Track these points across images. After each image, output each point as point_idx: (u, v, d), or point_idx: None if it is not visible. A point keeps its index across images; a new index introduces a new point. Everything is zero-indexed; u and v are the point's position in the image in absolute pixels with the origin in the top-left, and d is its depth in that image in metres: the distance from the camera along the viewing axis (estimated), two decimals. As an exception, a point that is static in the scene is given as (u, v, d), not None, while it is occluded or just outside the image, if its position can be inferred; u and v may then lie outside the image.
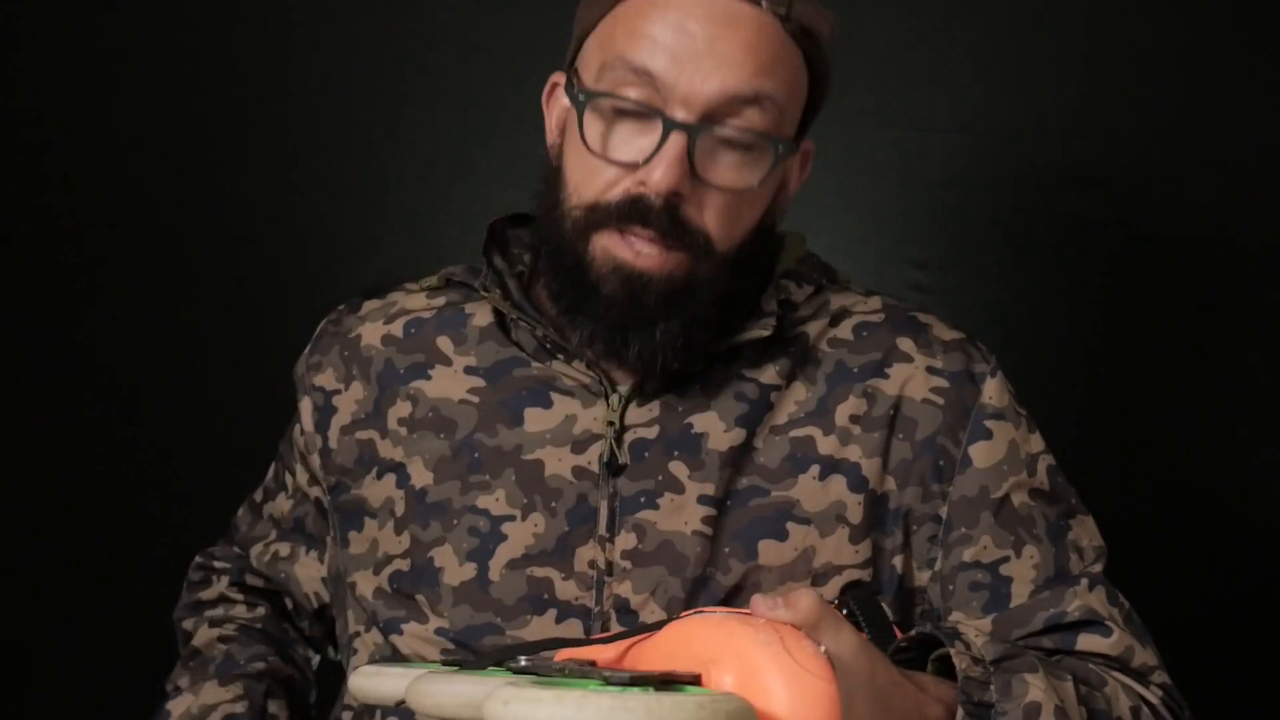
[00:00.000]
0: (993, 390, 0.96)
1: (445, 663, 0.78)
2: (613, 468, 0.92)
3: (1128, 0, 1.48)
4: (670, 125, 0.85)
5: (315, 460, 1.01)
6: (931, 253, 1.51)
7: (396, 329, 1.00)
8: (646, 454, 0.92)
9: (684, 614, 0.76)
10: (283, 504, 1.08)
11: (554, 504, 0.91)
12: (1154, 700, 0.89)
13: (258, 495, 1.12)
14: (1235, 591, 1.47)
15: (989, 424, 0.94)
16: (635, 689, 0.59)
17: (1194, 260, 1.49)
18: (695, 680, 0.65)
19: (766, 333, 0.93)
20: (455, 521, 0.92)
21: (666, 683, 0.62)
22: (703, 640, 0.68)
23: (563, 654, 0.76)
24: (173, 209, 1.62)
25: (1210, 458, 1.49)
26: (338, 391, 1.00)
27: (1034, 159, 1.49)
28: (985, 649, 0.78)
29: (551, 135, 0.97)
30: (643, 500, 0.91)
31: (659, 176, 0.85)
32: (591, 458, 0.92)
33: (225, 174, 1.61)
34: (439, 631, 0.91)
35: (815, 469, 0.92)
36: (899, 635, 0.82)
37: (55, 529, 1.65)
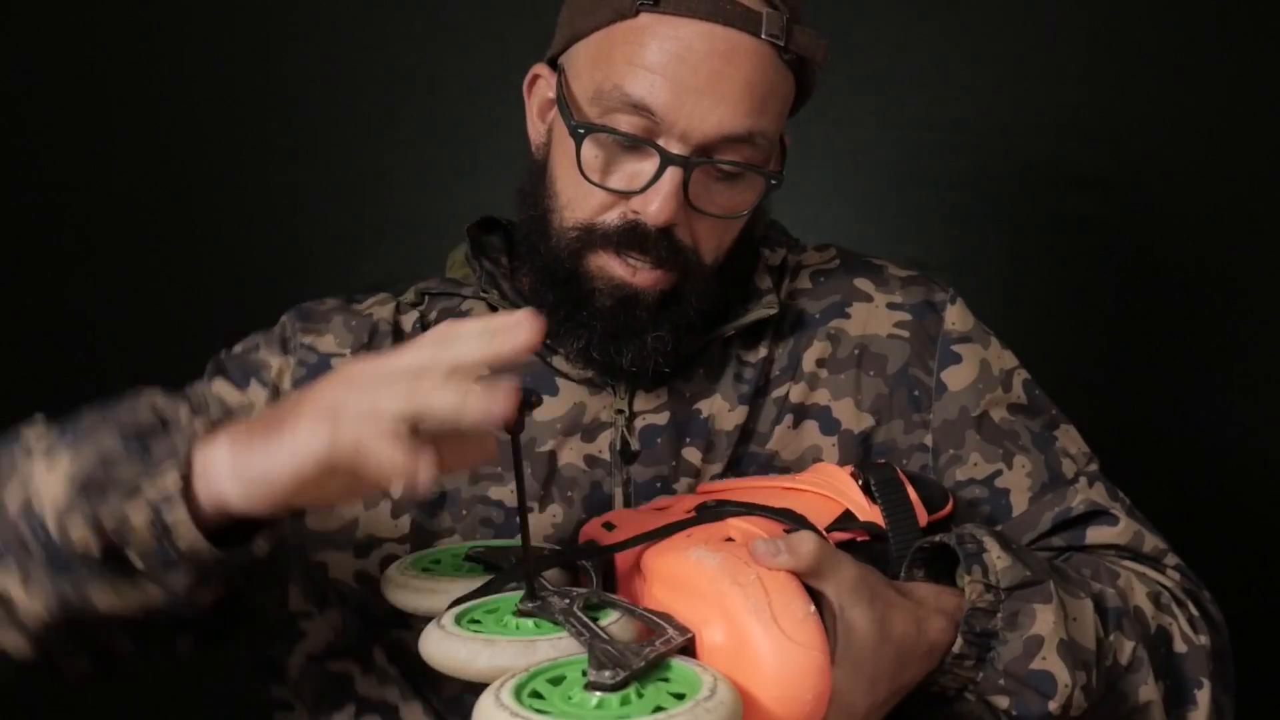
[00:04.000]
0: (955, 316, 0.98)
1: (473, 558, 0.83)
2: (625, 455, 0.93)
3: (1128, 0, 1.48)
4: (667, 159, 0.86)
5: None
6: (931, 253, 1.51)
7: (406, 321, 0.99)
8: (658, 440, 0.93)
9: (691, 536, 0.76)
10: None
11: (570, 493, 0.92)
12: (1170, 584, 0.91)
13: None
14: (1236, 591, 1.47)
15: (956, 348, 0.97)
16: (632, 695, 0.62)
17: (1193, 259, 1.49)
18: (690, 642, 0.67)
19: (772, 311, 0.95)
20: (465, 512, 0.92)
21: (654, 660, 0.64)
22: (699, 593, 0.69)
23: (585, 529, 0.82)
24: (170, 208, 1.61)
25: (1212, 456, 1.49)
26: (339, 355, 0.96)
27: (1034, 159, 1.49)
28: (1004, 574, 0.78)
29: (534, 126, 0.97)
30: (659, 486, 0.92)
31: (655, 209, 0.86)
32: (602, 446, 0.93)
33: (223, 174, 1.60)
34: None
35: (789, 419, 0.94)
36: (918, 508, 0.83)
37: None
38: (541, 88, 0.96)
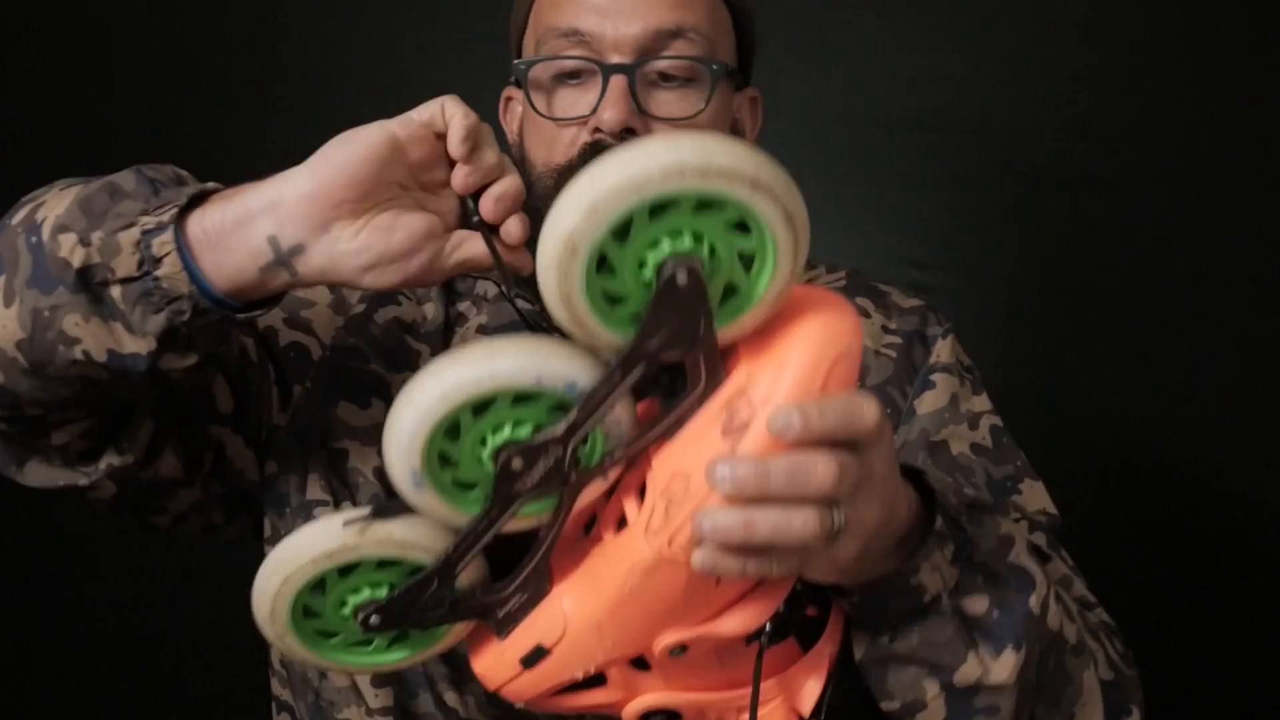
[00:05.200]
0: (943, 350, 0.99)
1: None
2: None
3: (1128, 0, 1.48)
4: (608, 70, 0.91)
5: (331, 315, 0.96)
6: (931, 253, 1.51)
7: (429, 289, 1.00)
8: None
9: None
10: None
11: None
12: (1095, 620, 0.88)
13: None
14: (1237, 591, 1.47)
15: (934, 377, 0.97)
16: None
17: (1193, 260, 1.49)
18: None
19: None
20: None
21: None
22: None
23: None
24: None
25: (1213, 455, 1.49)
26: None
27: (1034, 159, 1.49)
28: (959, 495, 0.78)
29: (512, 138, 1.00)
30: None
31: (609, 116, 0.90)
32: None
33: (220, 173, 1.60)
34: None
35: None
36: None
37: (54, 527, 1.65)
38: (513, 108, 1.00)
